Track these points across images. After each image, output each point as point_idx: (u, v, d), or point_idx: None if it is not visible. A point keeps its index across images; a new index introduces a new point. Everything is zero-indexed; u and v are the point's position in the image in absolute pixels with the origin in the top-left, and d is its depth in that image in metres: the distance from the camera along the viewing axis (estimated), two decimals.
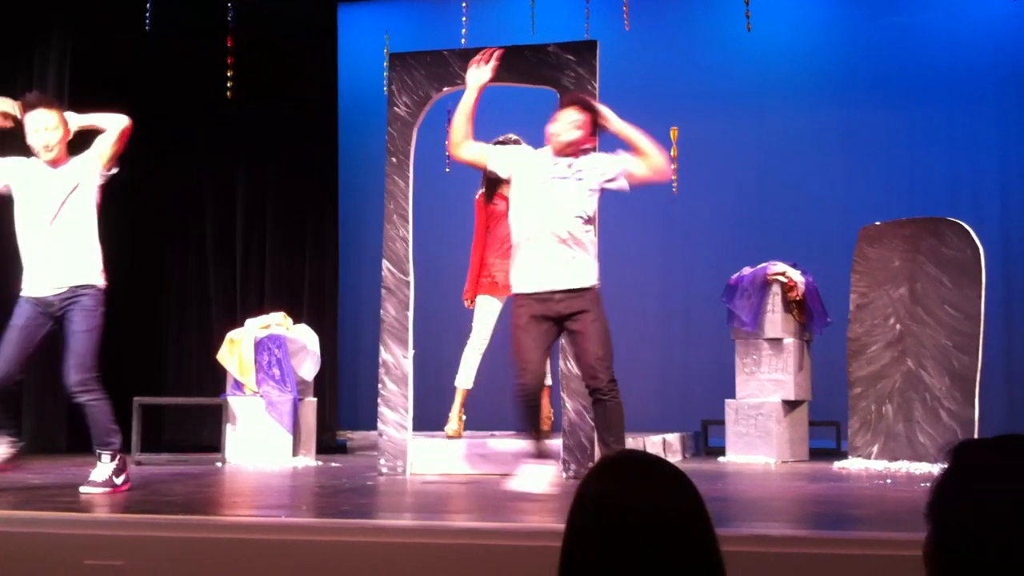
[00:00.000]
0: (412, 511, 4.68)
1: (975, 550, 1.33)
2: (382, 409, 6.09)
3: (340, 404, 8.78)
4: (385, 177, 6.26)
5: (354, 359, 9.07)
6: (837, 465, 6.73)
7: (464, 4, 7.68)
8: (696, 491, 1.55)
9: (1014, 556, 1.30)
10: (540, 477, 4.74)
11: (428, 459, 6.13)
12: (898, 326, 6.88)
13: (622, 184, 4.87)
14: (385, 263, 6.17)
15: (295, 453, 7.13)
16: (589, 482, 1.59)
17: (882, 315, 6.95)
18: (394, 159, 6.26)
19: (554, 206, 4.80)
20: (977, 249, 6.69)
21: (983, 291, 6.65)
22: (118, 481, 4.87)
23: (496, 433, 6.95)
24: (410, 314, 6.13)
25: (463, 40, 7.64)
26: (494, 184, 6.63)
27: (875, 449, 6.82)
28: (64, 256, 4.90)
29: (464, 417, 6.72)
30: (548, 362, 4.98)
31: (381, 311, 6.16)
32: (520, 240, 4.86)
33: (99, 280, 4.96)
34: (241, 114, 8.52)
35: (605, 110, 4.88)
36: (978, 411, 6.56)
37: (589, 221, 4.88)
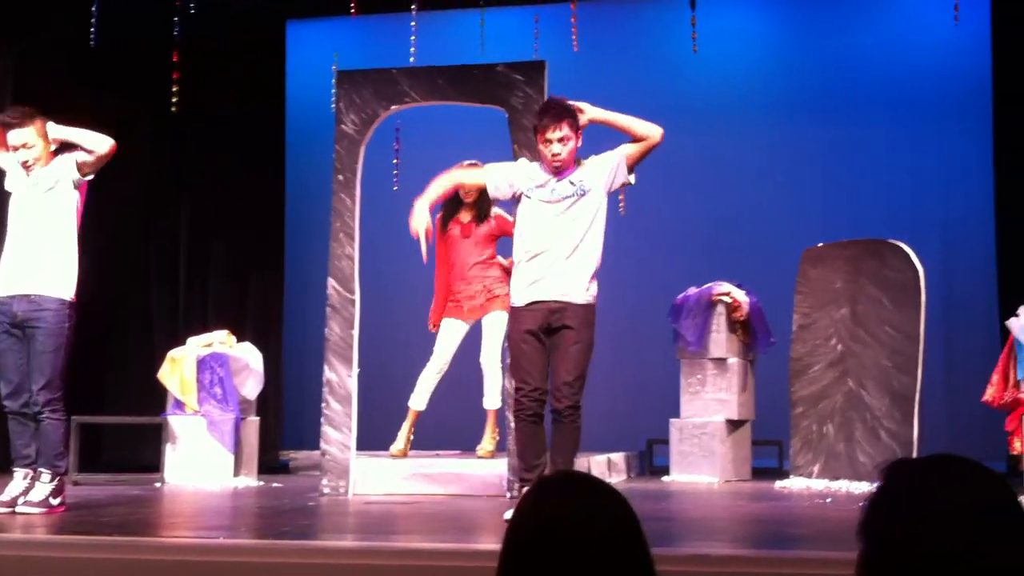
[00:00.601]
0: (353, 532, 4.64)
1: (904, 569, 1.34)
2: (325, 428, 6.04)
3: (283, 423, 8.71)
4: (332, 195, 6.23)
5: (299, 378, 9.00)
6: (779, 484, 6.78)
7: (413, 23, 7.68)
8: (631, 510, 1.56)
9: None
10: None
11: (371, 479, 6.09)
12: (840, 346, 6.96)
13: (628, 179, 4.72)
14: (331, 281, 6.14)
15: (236, 473, 7.05)
16: (526, 502, 1.59)
17: (824, 335, 7.03)
18: (341, 177, 6.23)
19: (562, 230, 4.61)
20: (917, 271, 6.79)
21: (923, 312, 6.75)
22: (55, 502, 4.79)
23: (441, 453, 6.92)
24: (355, 332, 6.10)
25: (412, 58, 7.63)
26: (452, 210, 6.62)
27: (816, 468, 6.88)
28: (32, 260, 4.84)
29: (412, 437, 6.68)
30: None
31: (326, 329, 6.12)
32: (523, 258, 4.67)
33: (66, 293, 4.87)
34: (186, 129, 8.45)
35: (580, 104, 4.73)
36: (917, 431, 6.65)
37: (596, 234, 4.68)
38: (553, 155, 4.61)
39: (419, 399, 6.64)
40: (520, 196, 4.73)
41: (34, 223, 4.88)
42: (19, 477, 4.84)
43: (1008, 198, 7.97)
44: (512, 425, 5.75)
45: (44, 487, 4.77)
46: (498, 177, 4.84)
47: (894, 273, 6.84)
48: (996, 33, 8.14)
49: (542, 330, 4.59)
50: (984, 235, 8.36)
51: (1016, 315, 5.96)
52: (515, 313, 4.68)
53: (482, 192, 6.57)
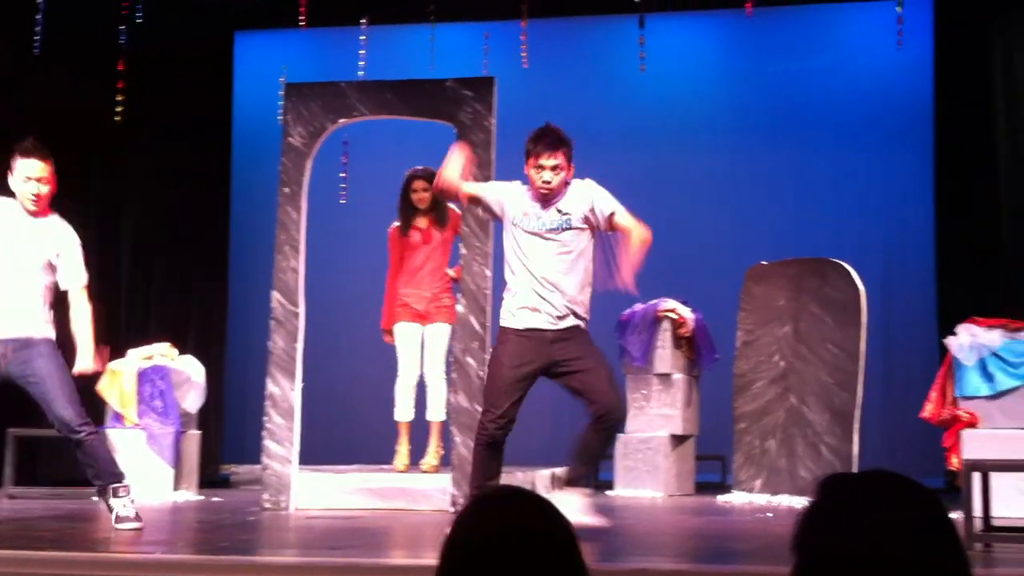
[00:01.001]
0: (292, 547, 4.59)
1: None
2: (267, 442, 5.98)
3: (225, 437, 8.62)
4: (278, 207, 6.19)
5: (241, 391, 8.91)
6: (721, 499, 6.82)
7: (363, 37, 7.66)
8: (568, 525, 1.56)
9: None
10: (578, 506, 4.44)
11: (314, 494, 6.03)
12: (782, 363, 7.03)
13: (603, 225, 4.61)
14: (275, 294, 6.09)
15: (176, 487, 6.96)
16: (462, 516, 1.58)
17: (767, 352, 7.10)
18: (287, 189, 6.19)
19: (549, 259, 4.54)
20: (858, 289, 6.88)
21: (864, 330, 6.84)
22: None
23: (385, 467, 6.88)
24: (299, 346, 6.05)
25: (361, 72, 7.61)
26: (410, 216, 6.60)
27: (758, 483, 6.94)
28: (21, 305, 4.80)
29: (408, 448, 6.60)
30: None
31: (269, 342, 6.07)
32: (515, 286, 4.60)
33: (50, 332, 4.89)
34: (130, 139, 8.36)
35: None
36: (857, 447, 6.72)
37: (581, 255, 4.61)
38: (544, 182, 4.53)
39: (403, 412, 6.59)
40: (507, 221, 4.65)
41: (25, 274, 4.85)
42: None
43: (948, 220, 8.11)
44: (458, 439, 5.75)
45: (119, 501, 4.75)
46: (495, 195, 4.74)
47: (836, 292, 6.92)
48: (938, 57, 8.30)
49: (534, 360, 4.51)
50: (924, 255, 8.49)
51: (954, 333, 6.06)
52: (505, 334, 4.60)
53: (436, 198, 6.60)
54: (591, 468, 4.55)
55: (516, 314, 4.58)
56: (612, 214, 4.57)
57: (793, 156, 9.06)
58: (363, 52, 7.71)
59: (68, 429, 4.71)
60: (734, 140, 9.13)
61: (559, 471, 7.63)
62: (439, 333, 6.51)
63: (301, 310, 6.08)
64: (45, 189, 4.83)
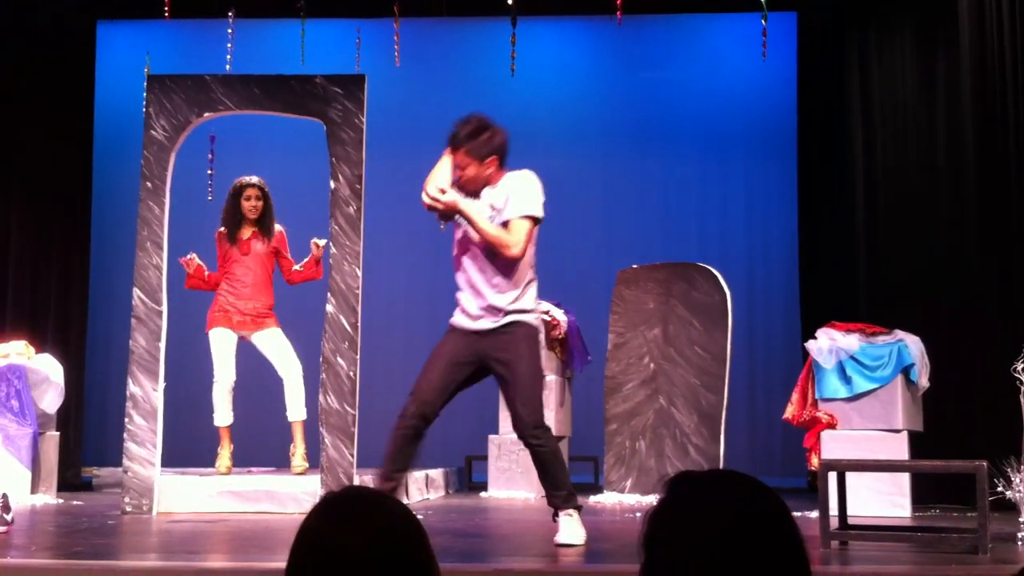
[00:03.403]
0: (151, 551, 4.46)
1: None
2: (128, 444, 5.80)
3: (85, 439, 8.35)
4: (139, 202, 6.01)
5: (102, 391, 8.64)
6: (593, 499, 6.88)
7: (230, 30, 7.50)
8: (417, 524, 1.54)
9: None
10: (578, 528, 4.31)
11: (176, 497, 5.88)
12: (652, 365, 7.14)
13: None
14: (136, 291, 5.91)
15: (34, 490, 6.69)
16: (308, 519, 1.55)
17: (637, 354, 7.20)
18: (149, 184, 6.02)
19: (480, 253, 4.38)
20: (724, 294, 7.04)
21: (729, 334, 6.99)
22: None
23: (253, 469, 6.75)
24: (162, 345, 5.89)
25: (228, 66, 7.45)
26: (236, 223, 6.53)
27: (628, 483, 7.03)
28: None
29: (232, 450, 6.49)
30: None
31: (131, 341, 5.89)
32: (460, 283, 4.43)
33: None
34: None
35: (447, 191, 4.37)
36: (723, 447, 6.87)
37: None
38: (458, 176, 4.42)
39: (222, 416, 6.49)
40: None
41: None
42: None
43: (810, 226, 8.36)
44: (328, 440, 5.67)
45: None
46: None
47: (703, 296, 7.06)
48: (801, 69, 8.54)
49: (469, 357, 4.35)
50: (788, 261, 8.73)
51: (815, 337, 6.23)
52: (451, 329, 4.43)
53: (266, 210, 6.55)
54: (557, 487, 4.30)
55: (460, 315, 4.43)
56: (506, 222, 4.37)
57: (662, 162, 9.22)
58: (230, 45, 7.55)
59: None
60: (604, 145, 9.24)
61: (433, 472, 7.61)
62: (275, 336, 6.52)
63: (164, 308, 5.92)
64: None
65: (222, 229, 6.66)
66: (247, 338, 6.56)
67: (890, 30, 7.76)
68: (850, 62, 7.98)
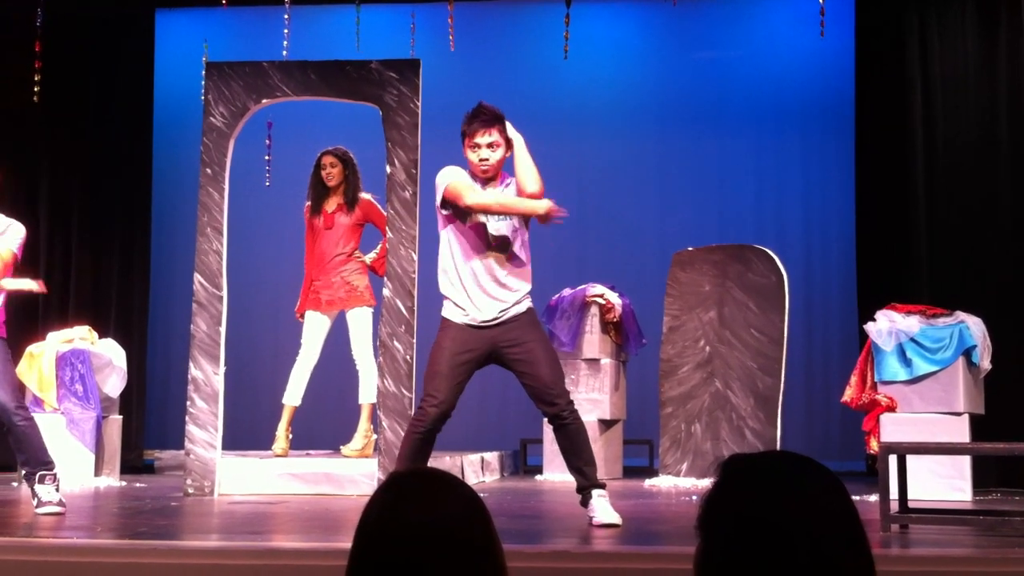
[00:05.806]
0: (213, 532, 4.54)
1: (736, 563, 1.36)
2: (190, 427, 5.91)
3: (147, 422, 8.49)
4: (199, 188, 6.10)
5: (164, 375, 8.78)
6: (648, 483, 6.88)
7: (287, 16, 7.55)
8: (481, 505, 1.55)
9: (770, 570, 1.34)
10: (611, 508, 4.36)
11: (237, 479, 5.97)
12: (707, 348, 7.11)
13: None
14: (197, 277, 6.01)
15: (97, 473, 6.84)
16: (373, 500, 1.57)
17: (692, 337, 7.17)
18: (209, 170, 6.10)
19: (495, 244, 4.42)
20: (781, 275, 6.98)
21: (786, 316, 6.94)
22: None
23: (312, 452, 6.83)
24: (222, 329, 5.98)
25: (284, 52, 7.51)
26: (321, 197, 6.57)
27: (684, 467, 7.01)
28: None
29: (291, 436, 6.58)
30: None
31: (192, 326, 5.98)
32: (463, 273, 4.44)
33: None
34: (48, 119, 8.17)
35: (510, 127, 4.46)
36: (780, 430, 6.83)
37: (524, 245, 4.51)
38: (481, 160, 4.40)
39: (293, 395, 6.56)
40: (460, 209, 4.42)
41: None
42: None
43: (868, 207, 8.24)
44: (385, 424, 5.73)
45: (49, 488, 4.75)
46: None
47: (759, 278, 7.01)
48: (859, 46, 8.41)
49: (484, 352, 4.37)
50: (845, 242, 8.63)
51: (874, 319, 6.17)
52: (446, 323, 4.45)
53: (347, 178, 6.56)
54: (590, 462, 4.36)
55: (459, 310, 4.46)
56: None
57: (717, 144, 9.14)
58: (287, 32, 7.61)
59: (4, 413, 4.73)
60: (659, 127, 9.18)
61: (488, 455, 7.65)
62: (359, 317, 6.51)
63: (224, 293, 6.01)
64: None
65: (308, 203, 6.66)
66: (343, 314, 6.55)
67: (951, 4, 7.62)
68: (910, 38, 7.84)
